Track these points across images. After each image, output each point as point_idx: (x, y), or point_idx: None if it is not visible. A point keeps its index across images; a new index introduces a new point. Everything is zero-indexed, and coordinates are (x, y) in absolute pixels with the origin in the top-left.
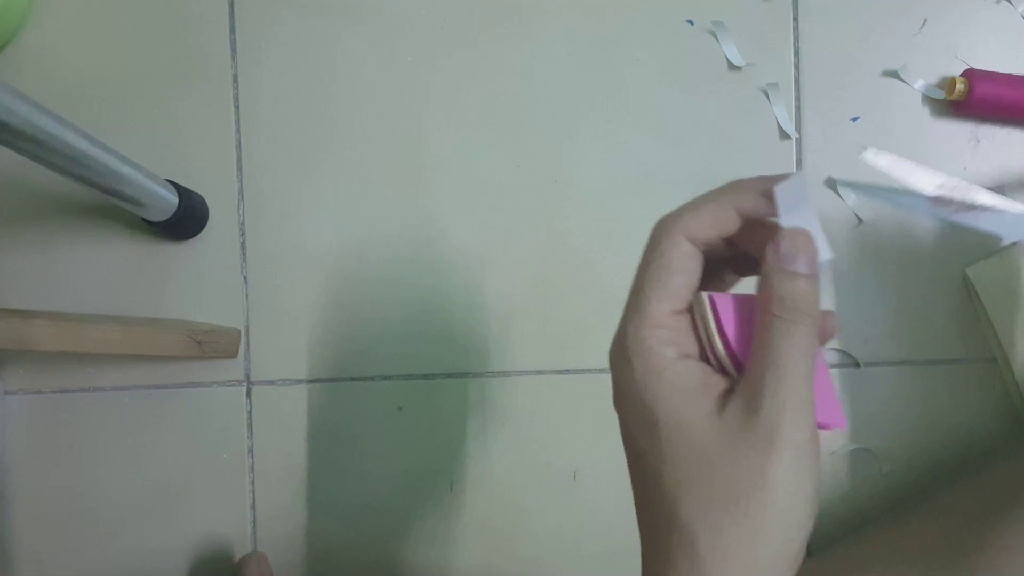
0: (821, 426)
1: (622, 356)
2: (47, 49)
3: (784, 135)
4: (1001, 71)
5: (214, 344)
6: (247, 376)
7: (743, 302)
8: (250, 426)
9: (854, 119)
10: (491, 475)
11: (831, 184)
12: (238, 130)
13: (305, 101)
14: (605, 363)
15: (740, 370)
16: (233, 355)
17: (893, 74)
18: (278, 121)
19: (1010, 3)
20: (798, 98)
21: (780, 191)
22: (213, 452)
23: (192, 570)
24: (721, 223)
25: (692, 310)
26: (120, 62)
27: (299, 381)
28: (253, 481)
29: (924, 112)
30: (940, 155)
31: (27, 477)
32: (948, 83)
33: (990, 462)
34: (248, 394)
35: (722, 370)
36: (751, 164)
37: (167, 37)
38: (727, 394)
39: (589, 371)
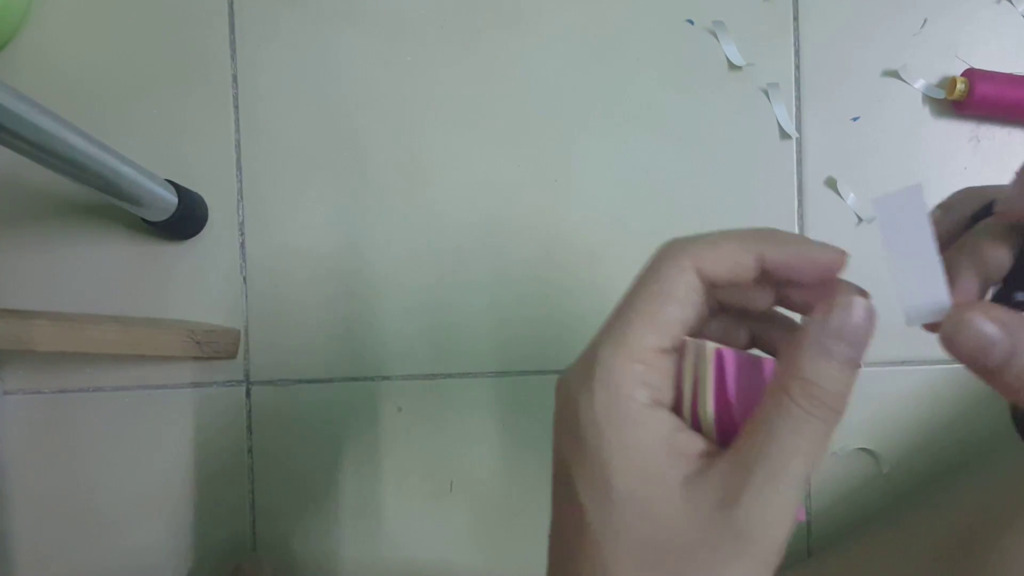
0: None
1: (583, 385)
2: (46, 49)
3: (784, 135)
4: (1002, 71)
5: (213, 344)
6: (246, 376)
7: (749, 364)
8: (249, 426)
9: (854, 119)
10: (491, 475)
11: (831, 184)
12: (237, 130)
13: (305, 101)
14: None
15: (723, 438)
16: (233, 355)
17: (893, 74)
18: (278, 121)
19: (1011, 3)
20: (798, 98)
21: (883, 206)
22: (212, 452)
23: (191, 570)
24: (738, 268)
25: (681, 353)
26: (119, 62)
27: (299, 381)
28: (252, 481)
29: (924, 112)
30: (940, 155)
31: (26, 477)
32: (948, 83)
33: (990, 462)
34: (247, 394)
35: (696, 427)
36: (751, 163)
37: (167, 37)
38: (700, 465)
39: None
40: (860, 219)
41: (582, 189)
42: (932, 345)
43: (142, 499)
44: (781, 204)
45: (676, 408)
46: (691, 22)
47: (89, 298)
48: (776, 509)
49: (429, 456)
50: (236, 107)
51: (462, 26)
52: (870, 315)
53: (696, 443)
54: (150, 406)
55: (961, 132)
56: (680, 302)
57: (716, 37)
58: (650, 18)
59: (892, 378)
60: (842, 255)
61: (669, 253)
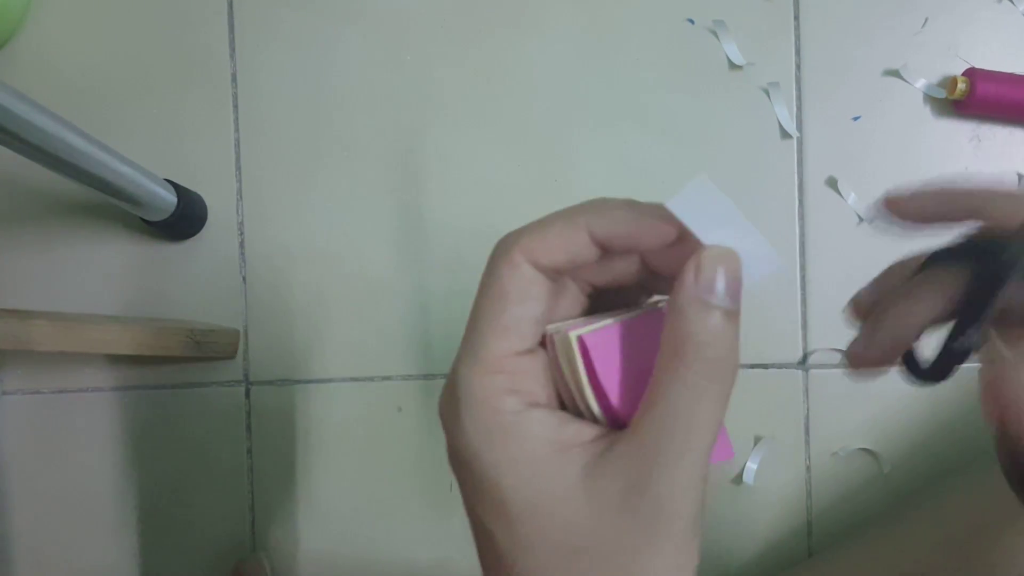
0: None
1: (452, 411)
2: (45, 48)
3: (785, 134)
4: (1003, 70)
5: (212, 344)
6: (246, 376)
7: (628, 331)
8: (249, 427)
9: (855, 118)
10: None
11: (832, 183)
12: (237, 129)
13: (304, 100)
14: None
15: (614, 422)
16: (232, 355)
17: (894, 73)
18: (277, 120)
19: (1012, 2)
20: (799, 97)
21: (678, 205)
22: (212, 453)
23: (191, 570)
24: (573, 247)
25: (547, 346)
26: (118, 61)
27: (298, 381)
28: (252, 482)
29: (925, 111)
30: (941, 155)
31: (25, 477)
32: (949, 82)
33: (991, 462)
34: (247, 394)
35: (583, 414)
36: (752, 163)
37: (166, 36)
38: (597, 451)
39: None
40: (861, 219)
41: (582, 188)
42: (932, 346)
43: (141, 499)
44: (782, 204)
45: (561, 403)
46: (692, 21)
47: (88, 298)
48: (688, 484)
49: (429, 456)
50: (235, 106)
51: (462, 25)
52: (734, 259)
53: (586, 432)
54: (149, 406)
55: (962, 132)
56: (521, 299)
57: (717, 36)
58: (650, 18)
59: (892, 378)
60: (672, 219)
61: (500, 251)
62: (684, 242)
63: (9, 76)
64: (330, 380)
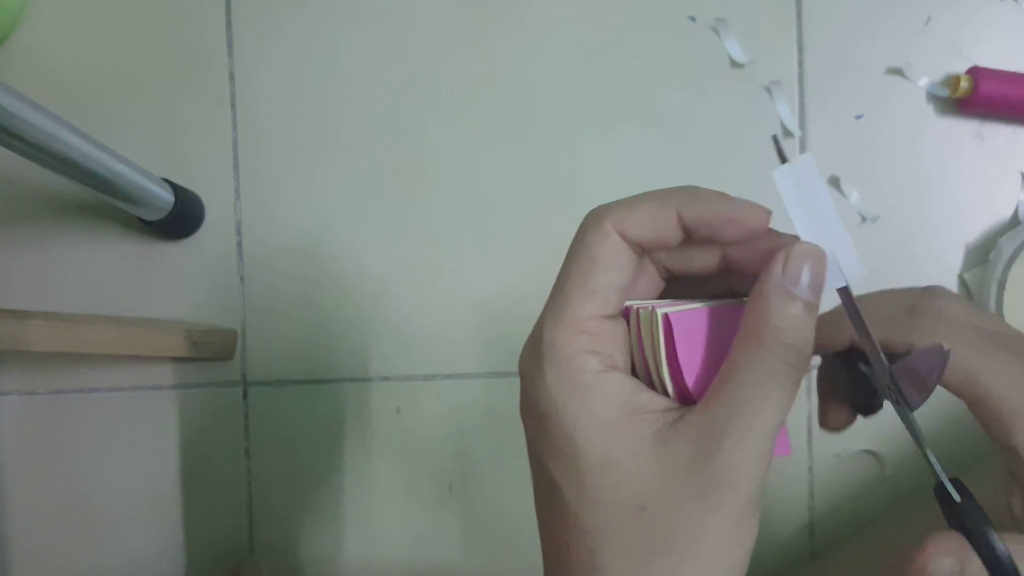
0: None
1: (535, 365)
2: (42, 47)
3: (787, 132)
4: (1006, 69)
5: (210, 345)
6: (243, 377)
7: (711, 318)
8: (246, 427)
9: (858, 117)
10: (490, 476)
11: (834, 182)
12: (234, 128)
13: (302, 99)
14: None
15: (683, 399)
16: (229, 356)
17: (897, 71)
18: (275, 119)
19: (1015, 0)
20: (801, 95)
21: (782, 177)
22: (209, 453)
23: (188, 572)
24: (660, 227)
25: (629, 319)
26: (115, 60)
27: (296, 382)
28: (250, 483)
29: (928, 110)
30: (944, 153)
31: (22, 478)
32: (952, 81)
33: (992, 463)
34: (244, 395)
35: (655, 387)
36: (754, 162)
37: (163, 35)
38: (668, 421)
39: None
40: (864, 218)
41: (584, 187)
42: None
43: (138, 500)
44: (783, 203)
45: (634, 372)
46: (693, 19)
47: (85, 298)
48: (753, 458)
49: (428, 456)
50: (233, 105)
51: (462, 24)
52: (822, 258)
53: (659, 401)
54: (146, 407)
55: (965, 130)
56: (609, 267)
57: (718, 34)
58: (652, 16)
59: None
60: (764, 213)
61: (591, 220)
62: (768, 239)
63: (6, 75)
64: (329, 380)
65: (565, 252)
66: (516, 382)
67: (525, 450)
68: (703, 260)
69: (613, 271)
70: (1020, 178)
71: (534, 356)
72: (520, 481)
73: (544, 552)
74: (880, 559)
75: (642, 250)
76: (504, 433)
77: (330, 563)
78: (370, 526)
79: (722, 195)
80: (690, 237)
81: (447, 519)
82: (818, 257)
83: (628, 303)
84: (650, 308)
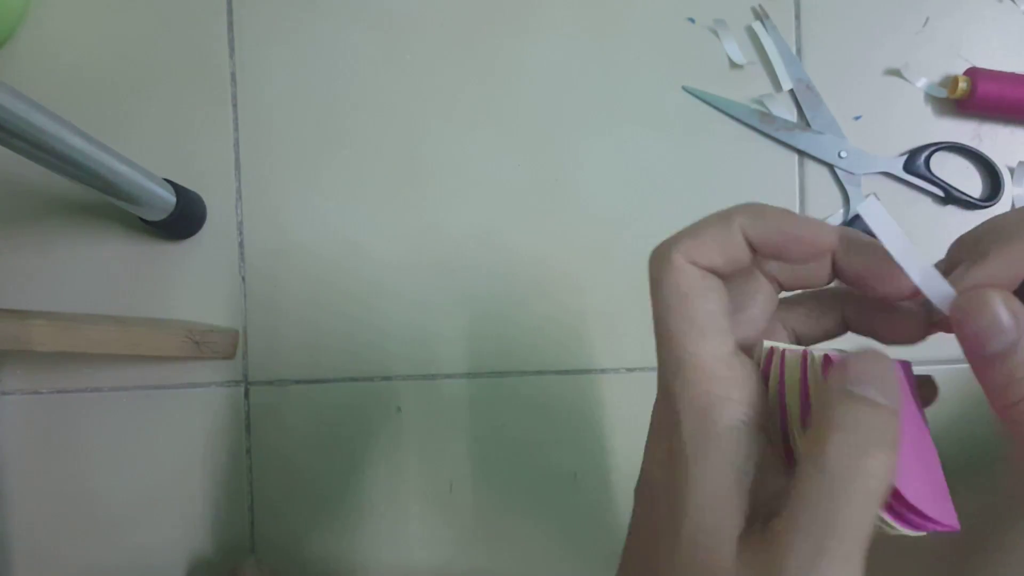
0: (924, 525)
1: (667, 420)
2: (44, 47)
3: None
4: (1004, 70)
5: (212, 344)
6: (245, 376)
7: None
8: (248, 427)
9: (856, 118)
10: (491, 476)
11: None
12: (236, 128)
13: (304, 99)
14: (605, 364)
15: None
16: (231, 355)
17: (895, 72)
18: (276, 119)
19: (1013, 2)
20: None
21: (867, 211)
22: (211, 453)
23: (189, 571)
24: (729, 248)
25: (764, 362)
26: (117, 60)
27: (297, 382)
28: (251, 482)
29: (927, 111)
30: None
31: (24, 478)
32: (951, 82)
33: (991, 462)
34: (246, 395)
35: (789, 452)
36: (753, 163)
37: (165, 35)
38: (759, 521)
39: (589, 372)
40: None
41: (583, 188)
42: (934, 346)
43: (140, 500)
44: (783, 203)
45: (764, 422)
46: (692, 21)
47: (87, 298)
48: None
49: (429, 456)
50: (235, 105)
51: (462, 25)
52: (884, 362)
53: (767, 486)
54: (148, 407)
55: (963, 131)
56: (702, 294)
57: (717, 36)
58: (651, 17)
59: None
60: (831, 232)
61: (660, 260)
62: (856, 255)
63: (8, 75)
64: (330, 380)
65: (565, 252)
66: (517, 382)
67: (525, 449)
68: (814, 272)
69: (708, 296)
70: (1009, 173)
71: (668, 413)
72: (520, 481)
73: (624, 549)
74: (879, 557)
75: (719, 275)
76: (505, 433)
77: (331, 562)
78: (370, 526)
79: (787, 213)
80: (759, 255)
81: (447, 519)
82: (879, 362)
83: (767, 344)
84: (801, 351)
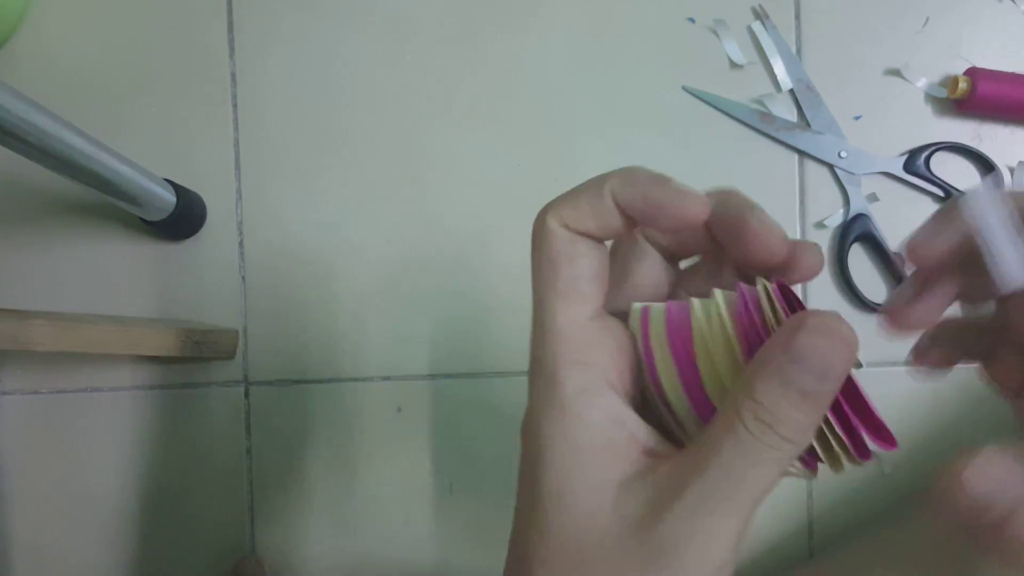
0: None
1: (530, 380)
2: (44, 47)
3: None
4: (1004, 70)
5: (212, 344)
6: (245, 377)
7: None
8: (248, 427)
9: (856, 118)
10: (491, 476)
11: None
12: (236, 128)
13: (304, 100)
14: None
15: (702, 414)
16: (231, 356)
17: (895, 73)
18: (277, 120)
19: (1013, 1)
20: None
21: (972, 203)
22: (211, 453)
23: (190, 571)
24: (601, 215)
25: (634, 320)
26: (117, 60)
27: (297, 382)
28: (251, 482)
29: (927, 111)
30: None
31: (24, 478)
32: (951, 82)
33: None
34: (246, 395)
35: (666, 406)
36: (753, 163)
37: (165, 35)
38: (643, 466)
39: None
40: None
41: None
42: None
43: (140, 500)
44: (783, 204)
45: (637, 389)
46: (692, 21)
47: (86, 298)
48: (707, 536)
49: (429, 456)
50: (235, 106)
51: (462, 25)
52: (846, 344)
53: (642, 438)
54: (148, 407)
55: (963, 131)
56: (570, 259)
57: (717, 36)
58: (651, 16)
59: (893, 378)
60: (700, 203)
61: (536, 222)
62: (769, 233)
63: (8, 75)
64: (330, 380)
65: None
66: (517, 381)
67: None
68: (692, 239)
69: (576, 262)
70: (1010, 173)
71: (530, 373)
72: None
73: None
74: (879, 558)
75: (595, 239)
76: (505, 433)
77: (331, 562)
78: (371, 526)
79: (659, 179)
80: (632, 222)
81: (447, 519)
82: (840, 340)
83: (637, 305)
84: (648, 304)
